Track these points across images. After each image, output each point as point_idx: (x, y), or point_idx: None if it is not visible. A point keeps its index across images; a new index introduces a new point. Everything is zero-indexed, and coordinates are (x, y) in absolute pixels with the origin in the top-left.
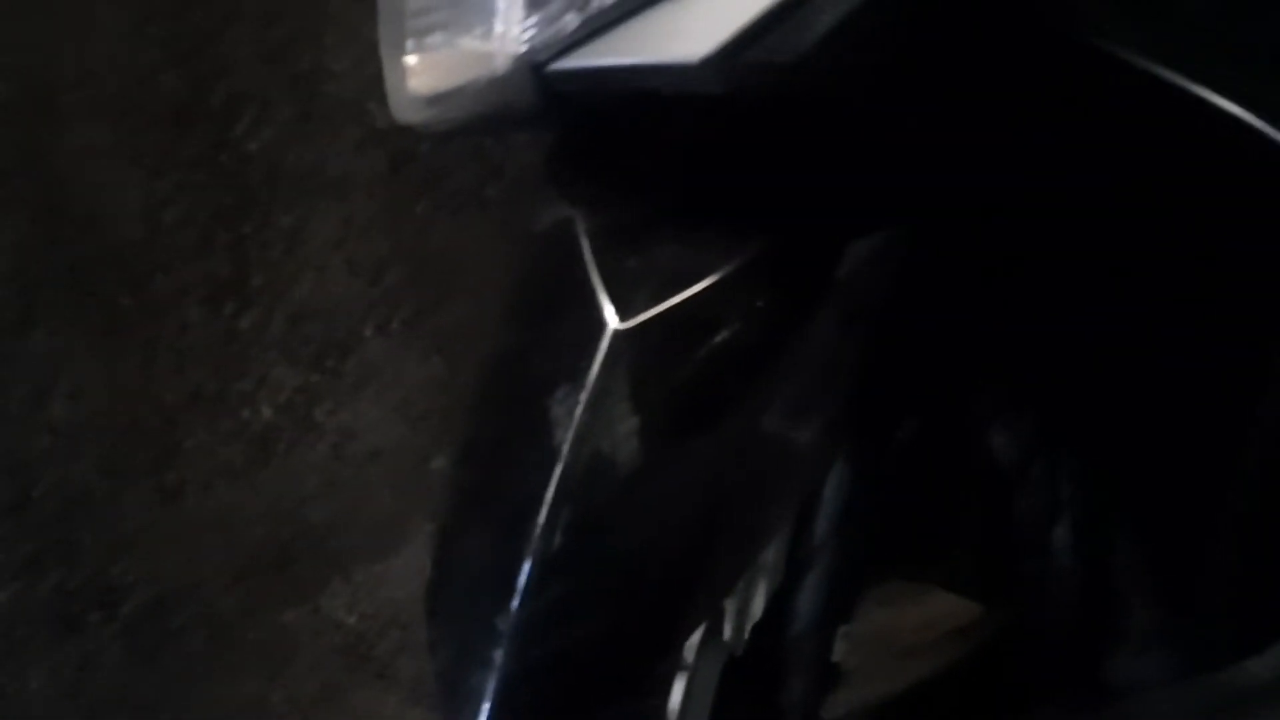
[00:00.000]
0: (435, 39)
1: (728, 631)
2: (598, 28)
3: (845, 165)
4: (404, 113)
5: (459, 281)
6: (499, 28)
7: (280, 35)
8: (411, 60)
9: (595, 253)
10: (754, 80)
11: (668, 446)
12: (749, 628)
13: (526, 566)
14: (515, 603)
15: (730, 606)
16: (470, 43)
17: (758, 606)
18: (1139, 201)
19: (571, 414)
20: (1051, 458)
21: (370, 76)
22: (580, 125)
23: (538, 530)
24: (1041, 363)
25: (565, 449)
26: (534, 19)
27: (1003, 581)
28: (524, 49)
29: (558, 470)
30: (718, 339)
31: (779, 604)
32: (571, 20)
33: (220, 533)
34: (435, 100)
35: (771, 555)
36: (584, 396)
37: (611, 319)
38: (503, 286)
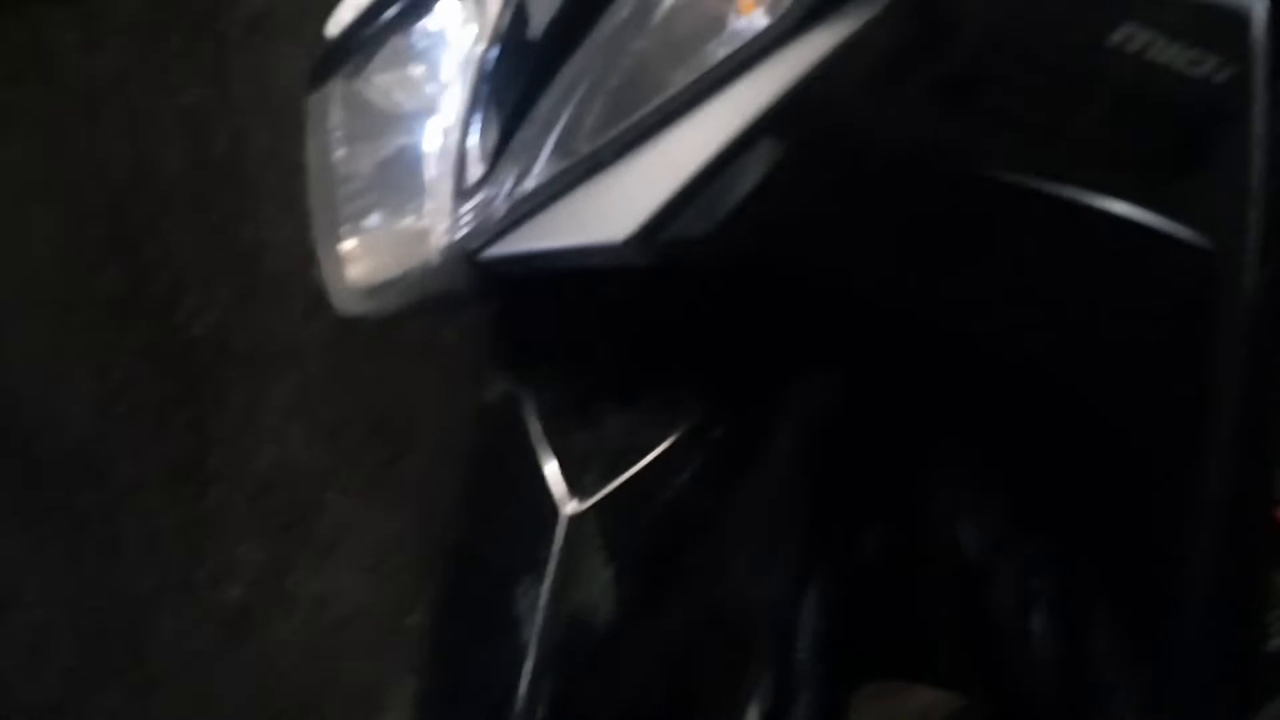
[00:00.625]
0: (370, 221)
1: None
2: (525, 213)
3: (777, 318)
4: (344, 305)
5: (419, 433)
6: (430, 208)
7: (216, 217)
8: (347, 246)
9: (543, 433)
10: (676, 254)
11: (635, 624)
12: None
13: None
14: None
15: None
16: (404, 224)
17: None
18: (1052, 310)
19: (535, 607)
20: (1021, 547)
21: (311, 244)
22: (517, 303)
23: None
24: (1001, 457)
25: (533, 645)
26: (464, 206)
27: (982, 674)
28: (456, 237)
29: (528, 667)
30: (672, 507)
31: None
32: (500, 207)
33: (208, 714)
34: (374, 292)
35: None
36: (546, 588)
37: (565, 504)
38: (456, 468)
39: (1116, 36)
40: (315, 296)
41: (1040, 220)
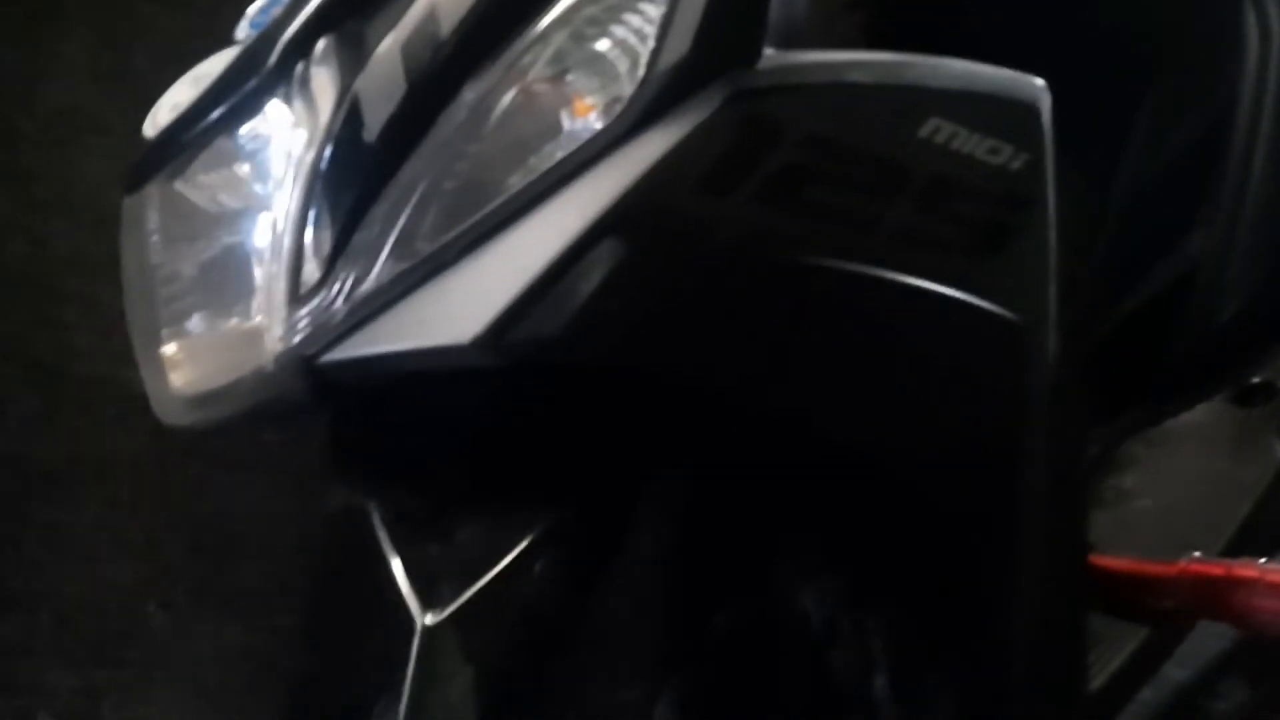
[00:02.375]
0: (193, 324)
1: None
2: (365, 316)
3: (623, 417)
4: (168, 415)
5: (243, 542)
6: (258, 310)
7: (14, 327)
8: (170, 349)
9: (393, 545)
10: (522, 355)
11: None
12: None
13: None
14: None
15: None
16: (231, 326)
17: None
18: (879, 389)
19: None
20: (859, 614)
21: (121, 346)
22: (356, 412)
23: None
24: (838, 531)
25: None
26: (299, 311)
27: None
28: (293, 341)
29: None
30: (530, 610)
31: None
32: (338, 310)
33: None
34: (202, 400)
35: None
36: (403, 706)
37: (421, 615)
38: (301, 586)
39: (925, 129)
40: (125, 404)
41: (864, 301)
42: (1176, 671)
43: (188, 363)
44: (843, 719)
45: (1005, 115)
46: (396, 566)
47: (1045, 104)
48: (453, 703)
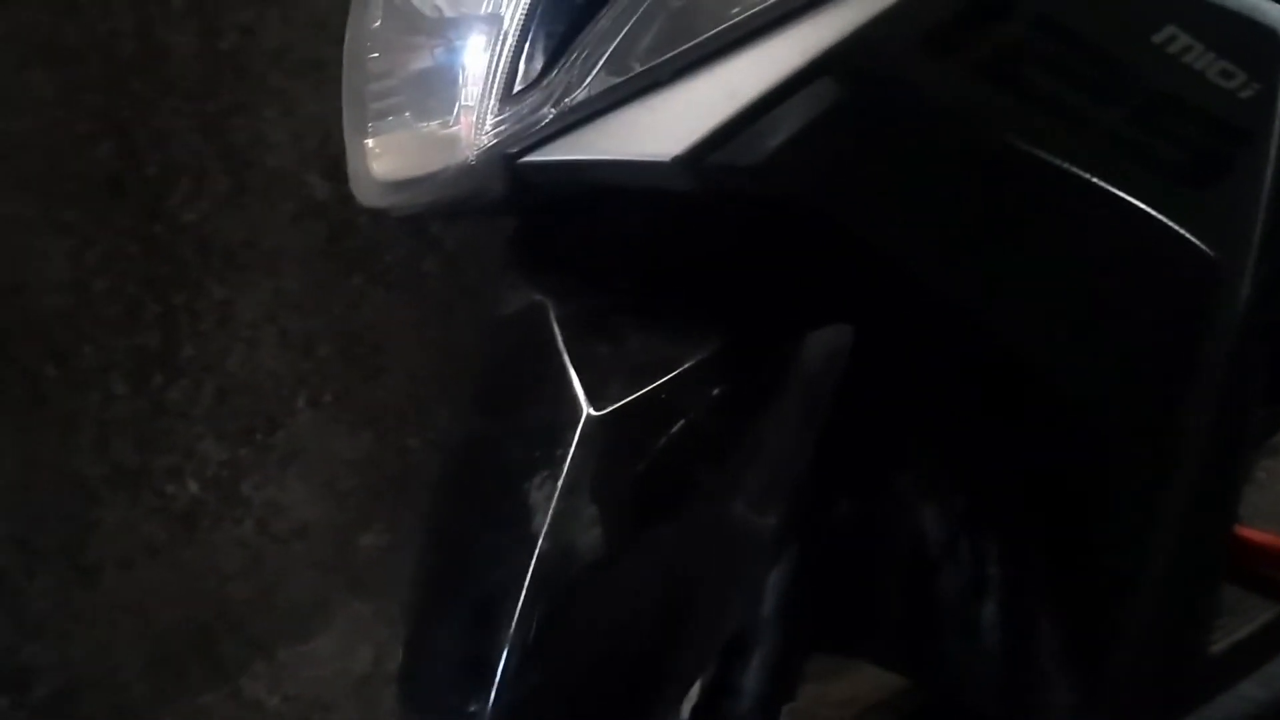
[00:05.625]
0: (396, 121)
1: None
2: (572, 123)
3: (803, 263)
4: (369, 197)
5: (392, 358)
6: (463, 116)
7: (218, 108)
8: (371, 142)
9: (567, 340)
10: (721, 181)
11: (638, 534)
12: (688, 710)
13: (503, 657)
14: (492, 695)
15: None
16: (431, 129)
17: (694, 690)
18: (1057, 293)
19: (549, 500)
20: (978, 537)
21: (309, 150)
22: (549, 214)
23: (514, 620)
24: (969, 450)
25: (541, 537)
26: (508, 111)
27: (928, 657)
28: (496, 140)
29: (534, 559)
30: (686, 427)
31: (723, 681)
32: (546, 114)
33: (137, 615)
34: (403, 186)
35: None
36: (560, 483)
37: (586, 406)
38: (472, 369)
39: (1160, 36)
40: (305, 205)
41: (1064, 201)
42: None
43: (391, 153)
44: (941, 641)
45: (1246, 38)
46: (568, 358)
47: None
48: (607, 489)
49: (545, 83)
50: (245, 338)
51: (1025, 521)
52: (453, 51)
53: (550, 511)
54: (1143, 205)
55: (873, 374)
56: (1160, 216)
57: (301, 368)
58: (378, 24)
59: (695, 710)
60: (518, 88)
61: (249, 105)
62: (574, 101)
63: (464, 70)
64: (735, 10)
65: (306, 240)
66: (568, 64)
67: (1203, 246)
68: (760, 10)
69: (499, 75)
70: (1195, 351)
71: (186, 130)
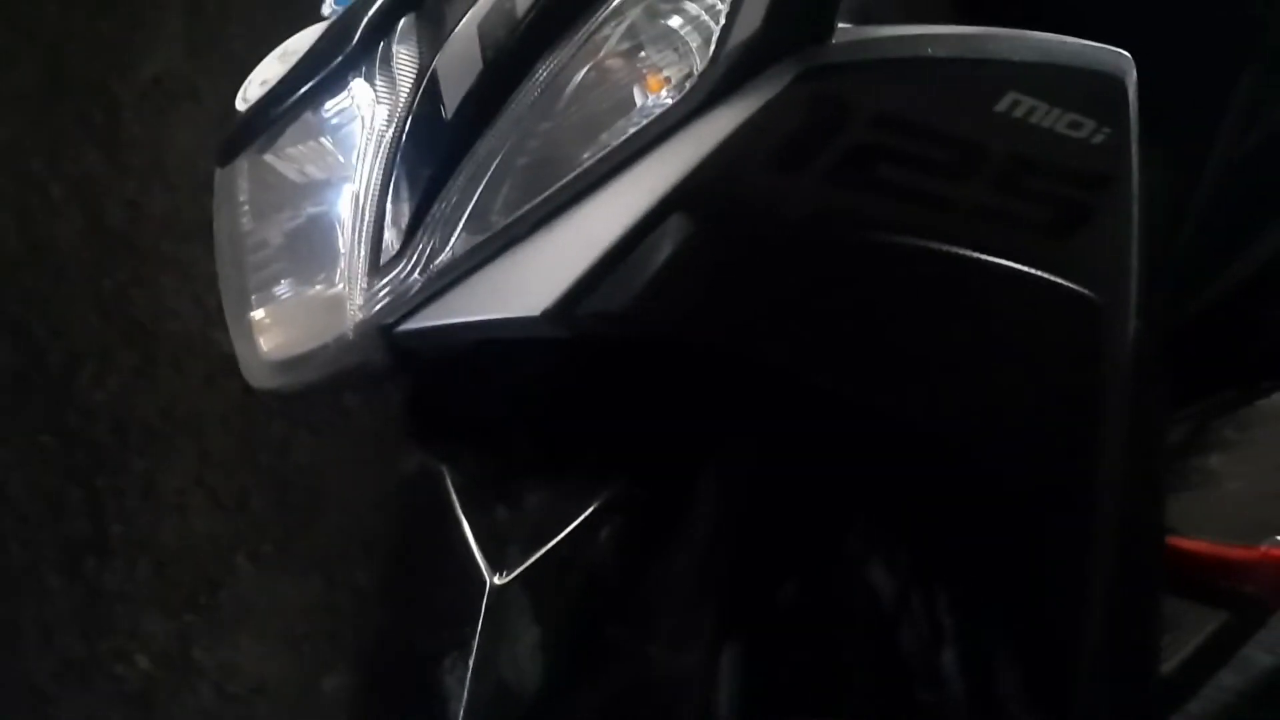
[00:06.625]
0: (280, 290)
1: None
2: (440, 288)
3: (690, 393)
4: (258, 380)
5: (328, 498)
6: (341, 278)
7: (114, 285)
8: (258, 315)
9: (464, 507)
10: (592, 327)
11: (561, 696)
12: None
13: None
14: None
15: None
16: (316, 292)
17: None
18: (952, 368)
19: (462, 683)
20: (928, 588)
21: (212, 308)
22: (432, 378)
23: None
24: (907, 508)
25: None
26: (379, 281)
27: (902, 713)
28: (373, 311)
29: None
30: (595, 575)
31: None
32: (415, 281)
33: None
34: (288, 366)
35: None
36: (472, 660)
37: (489, 576)
38: (376, 543)
39: (1001, 104)
40: (216, 364)
41: (938, 278)
42: (1261, 656)
43: (274, 328)
44: (909, 692)
45: (1088, 88)
46: (467, 528)
47: (1130, 77)
48: (520, 661)
49: (410, 249)
50: (174, 505)
51: (969, 569)
52: (327, 213)
53: (465, 695)
54: (1018, 265)
55: (789, 476)
56: (1037, 272)
57: (237, 524)
58: (245, 196)
59: None
60: (386, 254)
61: (145, 277)
62: (440, 266)
63: (340, 225)
64: (585, 156)
65: (222, 398)
66: (431, 226)
67: (1084, 291)
68: (606, 155)
69: (364, 247)
70: (1094, 388)
71: (84, 315)
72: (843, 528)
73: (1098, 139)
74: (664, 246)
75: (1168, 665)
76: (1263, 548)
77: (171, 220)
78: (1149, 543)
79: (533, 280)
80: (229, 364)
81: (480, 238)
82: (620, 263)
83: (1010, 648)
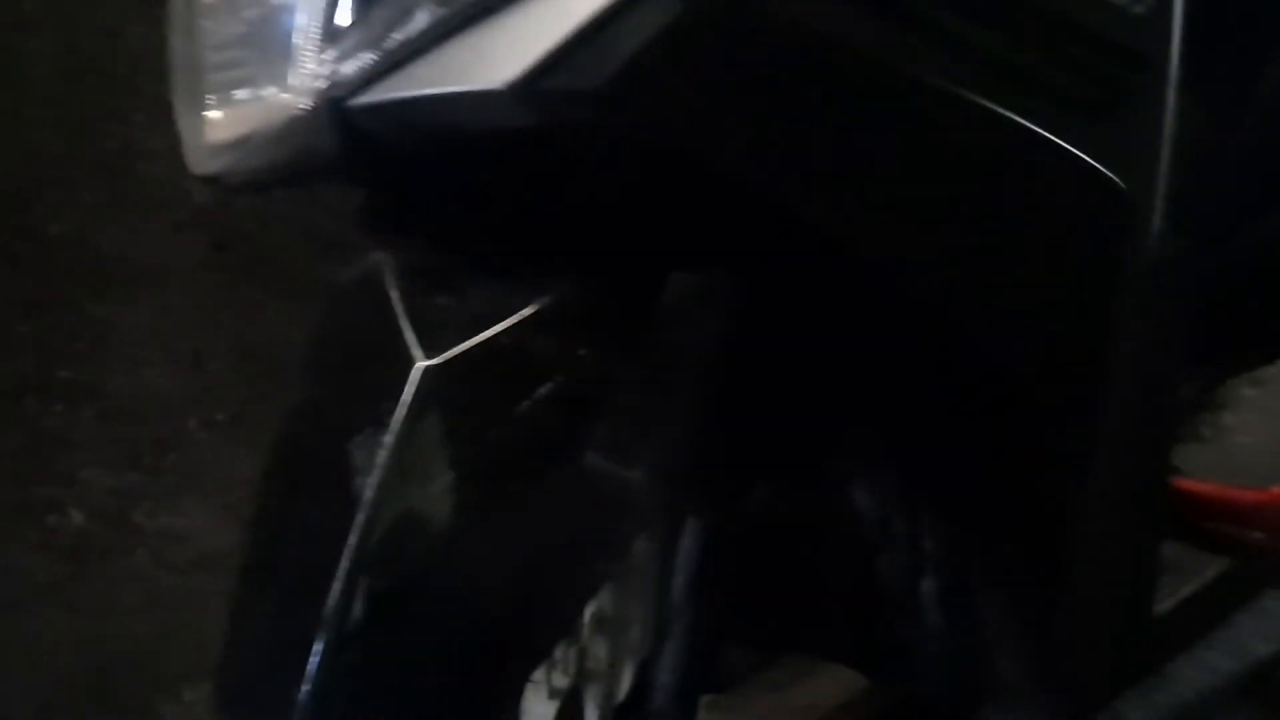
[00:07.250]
0: (235, 88)
1: (592, 716)
2: (398, 60)
3: (657, 200)
4: (199, 164)
5: (290, 371)
6: (296, 67)
7: (83, 114)
8: (213, 115)
9: (403, 294)
10: (559, 111)
11: (485, 498)
12: (614, 709)
13: (319, 637)
14: (306, 681)
15: (594, 690)
16: (274, 91)
17: (624, 687)
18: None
19: (373, 459)
20: (912, 512)
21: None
22: (386, 168)
23: (333, 595)
24: (895, 424)
25: (364, 501)
26: (331, 54)
27: (876, 645)
28: (322, 85)
29: (356, 527)
30: (535, 380)
31: (642, 679)
32: (370, 55)
33: (26, 660)
34: (231, 147)
35: (636, 632)
36: (388, 439)
37: (419, 356)
38: (303, 340)
39: None
40: (186, 213)
41: (954, 125)
42: (1258, 644)
43: (226, 121)
44: (883, 619)
45: None
46: (401, 311)
47: None
48: (441, 444)
49: (368, 20)
50: (128, 357)
51: (956, 494)
52: (285, 7)
53: (376, 473)
54: (1044, 131)
55: (779, 345)
56: (1064, 144)
57: (192, 386)
58: None
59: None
60: (340, 25)
61: (118, 112)
62: (400, 38)
63: (297, 22)
64: None
65: (190, 251)
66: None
67: (1112, 176)
68: None
69: (318, 17)
70: (1114, 287)
71: (49, 139)
72: (829, 441)
73: (1138, 9)
74: (647, 24)
75: (1162, 606)
76: (1273, 489)
77: (153, 55)
78: (1151, 473)
79: (500, 53)
80: (201, 214)
81: (447, 10)
82: (596, 36)
83: (992, 580)
